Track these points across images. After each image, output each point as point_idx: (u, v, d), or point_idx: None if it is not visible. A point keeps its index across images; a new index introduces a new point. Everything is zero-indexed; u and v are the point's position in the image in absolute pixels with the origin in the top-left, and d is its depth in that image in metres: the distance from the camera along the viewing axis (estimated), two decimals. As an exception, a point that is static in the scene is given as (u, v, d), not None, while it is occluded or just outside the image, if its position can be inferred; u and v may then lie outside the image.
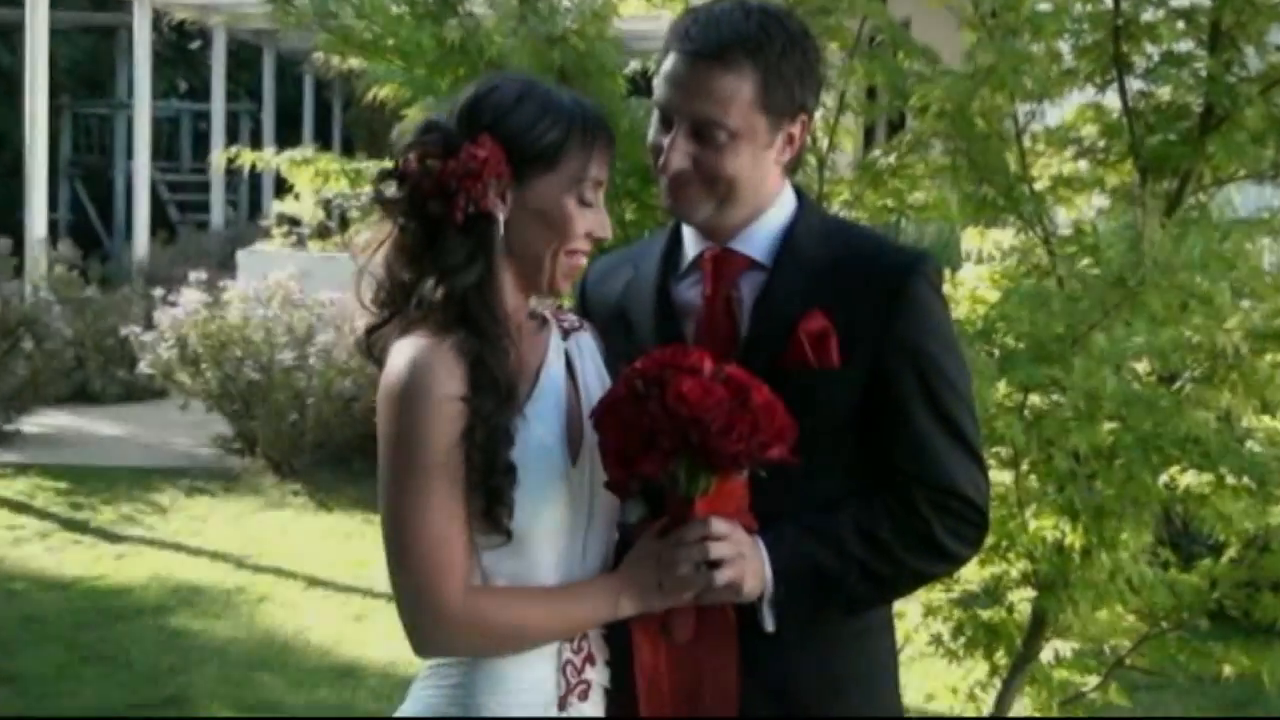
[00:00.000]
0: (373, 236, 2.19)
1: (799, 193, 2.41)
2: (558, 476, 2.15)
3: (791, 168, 2.39)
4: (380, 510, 2.12)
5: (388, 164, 2.19)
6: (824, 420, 2.22)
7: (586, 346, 2.33)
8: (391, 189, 2.17)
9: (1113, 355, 3.40)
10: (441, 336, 2.08)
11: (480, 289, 2.12)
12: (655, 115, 2.32)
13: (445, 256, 2.11)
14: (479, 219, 2.11)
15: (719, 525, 2.09)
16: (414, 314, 2.11)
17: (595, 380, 2.28)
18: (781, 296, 2.27)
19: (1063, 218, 4.31)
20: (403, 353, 2.08)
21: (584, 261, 2.23)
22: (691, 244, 2.38)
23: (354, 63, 4.49)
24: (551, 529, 2.14)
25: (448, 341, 2.07)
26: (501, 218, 2.12)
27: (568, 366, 2.27)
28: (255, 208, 20.61)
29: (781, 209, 2.35)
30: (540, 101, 2.16)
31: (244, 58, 21.90)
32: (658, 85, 2.30)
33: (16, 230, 12.71)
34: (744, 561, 2.12)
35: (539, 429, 2.14)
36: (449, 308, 2.10)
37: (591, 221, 2.19)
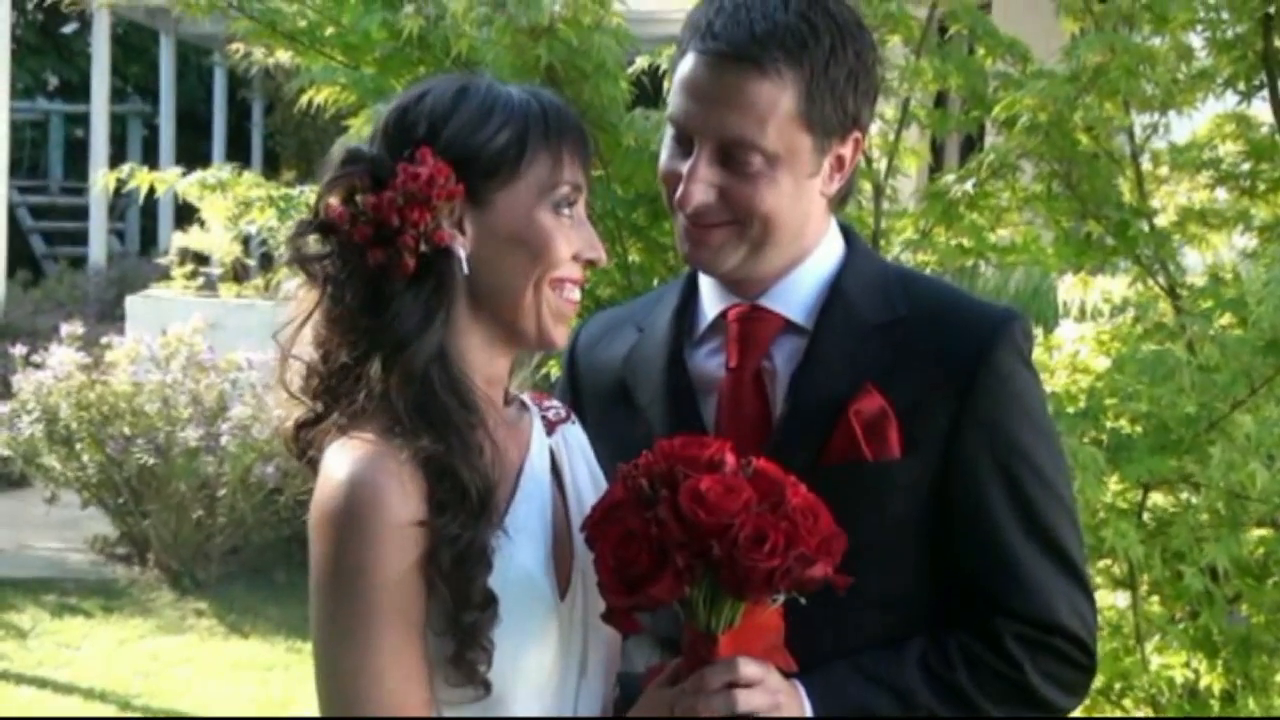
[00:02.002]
0: (296, 309, 2.19)
1: (847, 233, 2.44)
2: (543, 614, 2.15)
3: (841, 200, 2.42)
4: (316, 661, 2.11)
5: (305, 213, 2.19)
6: (881, 529, 2.24)
7: (576, 442, 2.34)
8: (314, 245, 2.17)
9: (1263, 442, 3.41)
10: (393, 438, 2.08)
11: (444, 362, 2.13)
12: (669, 134, 2.35)
13: (396, 323, 2.11)
14: (435, 260, 2.13)
15: (749, 668, 2.10)
16: (360, 405, 2.11)
17: (589, 487, 2.29)
18: (826, 368, 2.30)
19: (1194, 261, 4.33)
20: (342, 463, 2.07)
21: (577, 297, 2.24)
22: (711, 299, 2.41)
23: (282, 55, 4.54)
24: (535, 683, 2.14)
25: (404, 450, 2.06)
26: (463, 254, 2.14)
27: (553, 469, 2.27)
28: (149, 240, 20.68)
29: (826, 254, 2.39)
30: (482, 98, 2.18)
31: (135, 45, 22.05)
32: (673, 96, 2.34)
33: None
34: (781, 715, 2.12)
35: (521, 551, 2.14)
36: (406, 393, 2.10)
37: (577, 240, 2.20)
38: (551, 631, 2.16)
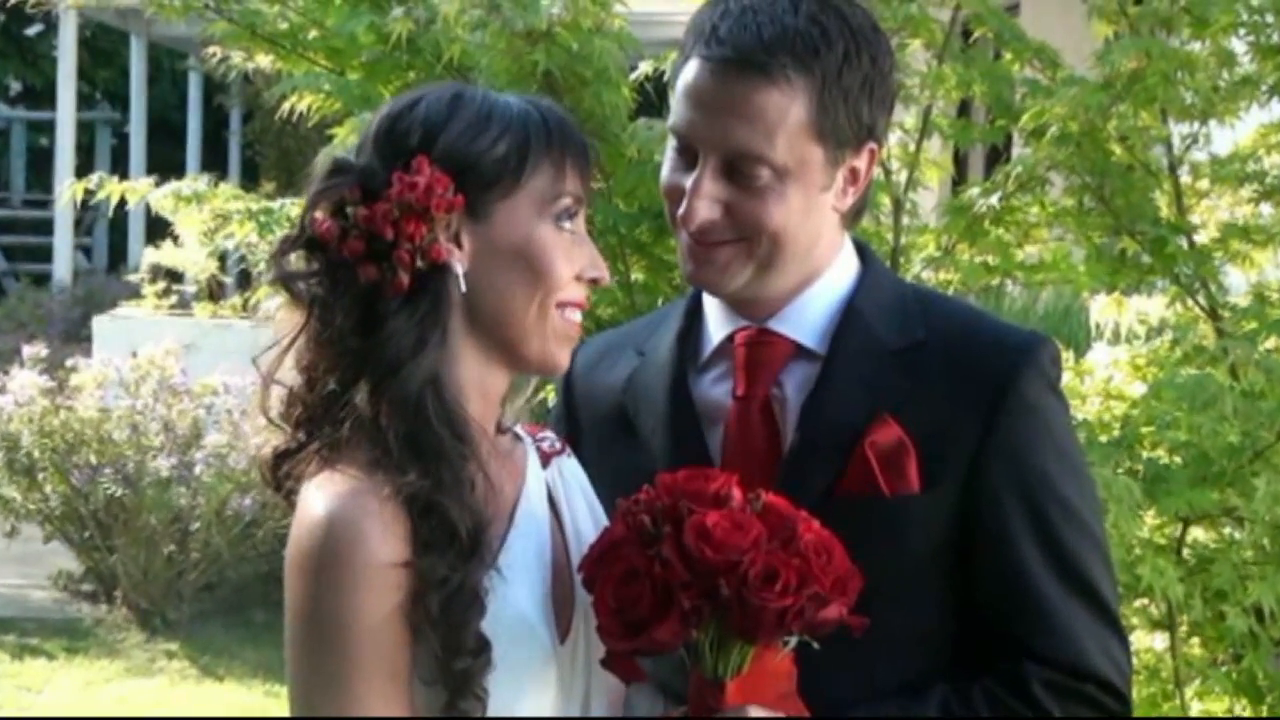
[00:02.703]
0: (279, 332, 2.18)
1: (862, 250, 2.45)
2: (541, 659, 2.15)
3: (854, 215, 2.43)
4: (291, 708, 2.10)
5: (287, 227, 2.17)
6: (898, 567, 2.24)
7: (573, 476, 2.34)
8: (299, 262, 2.17)
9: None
10: (376, 472, 2.07)
11: (438, 387, 2.12)
12: (671, 145, 2.36)
13: (389, 345, 2.10)
14: (430, 278, 2.12)
15: (759, 717, 2.09)
16: (345, 434, 2.11)
17: (588, 523, 2.29)
18: (840, 396, 2.31)
19: (1236, 281, 4.33)
20: (320, 500, 2.07)
21: (579, 319, 2.24)
22: (716, 322, 2.42)
23: (261, 60, 4.55)
24: (533, 735, 2.14)
25: (386, 486, 2.05)
26: (460, 270, 2.14)
27: (550, 504, 2.27)
28: (118, 256, 20.70)
29: (839, 274, 2.40)
30: (479, 104, 2.18)
31: (104, 48, 22.10)
32: (675, 104, 2.34)
33: None
34: (792, 767, 2.13)
35: (516, 592, 2.13)
36: (396, 422, 2.09)
37: (579, 258, 2.20)
38: (550, 678, 2.15)
